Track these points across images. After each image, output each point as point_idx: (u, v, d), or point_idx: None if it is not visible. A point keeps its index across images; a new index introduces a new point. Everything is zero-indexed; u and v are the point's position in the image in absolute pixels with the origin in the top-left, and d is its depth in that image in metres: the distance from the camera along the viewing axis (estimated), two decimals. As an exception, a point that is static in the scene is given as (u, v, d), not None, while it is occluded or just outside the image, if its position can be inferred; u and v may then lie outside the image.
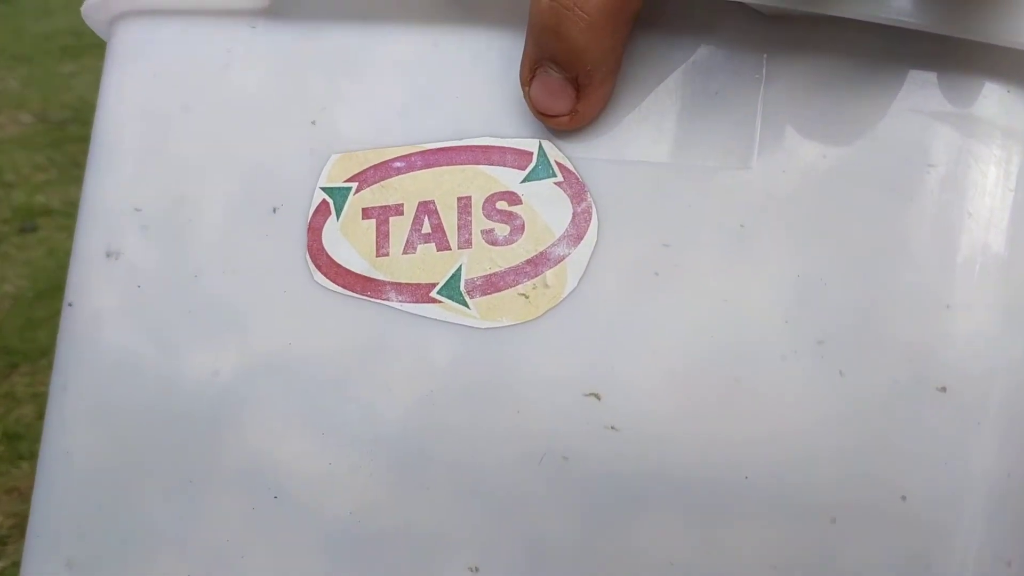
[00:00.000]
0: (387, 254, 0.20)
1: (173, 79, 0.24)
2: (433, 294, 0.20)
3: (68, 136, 1.83)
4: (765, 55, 0.18)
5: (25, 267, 1.34)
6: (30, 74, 2.26)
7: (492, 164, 0.20)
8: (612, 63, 0.18)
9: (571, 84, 0.18)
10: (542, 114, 0.19)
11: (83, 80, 2.24)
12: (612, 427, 0.18)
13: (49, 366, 0.98)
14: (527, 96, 0.19)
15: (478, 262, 0.19)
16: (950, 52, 0.17)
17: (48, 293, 1.25)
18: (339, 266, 0.21)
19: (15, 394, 1.03)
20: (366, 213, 0.21)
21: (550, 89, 0.18)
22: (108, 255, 0.23)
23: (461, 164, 0.20)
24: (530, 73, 0.19)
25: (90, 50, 2.46)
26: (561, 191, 0.19)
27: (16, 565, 0.79)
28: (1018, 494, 0.16)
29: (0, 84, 2.18)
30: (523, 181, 0.19)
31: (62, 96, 2.08)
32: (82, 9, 0.28)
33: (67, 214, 1.50)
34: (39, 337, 1.14)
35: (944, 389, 0.16)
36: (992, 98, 0.17)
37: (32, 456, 0.92)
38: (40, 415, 0.97)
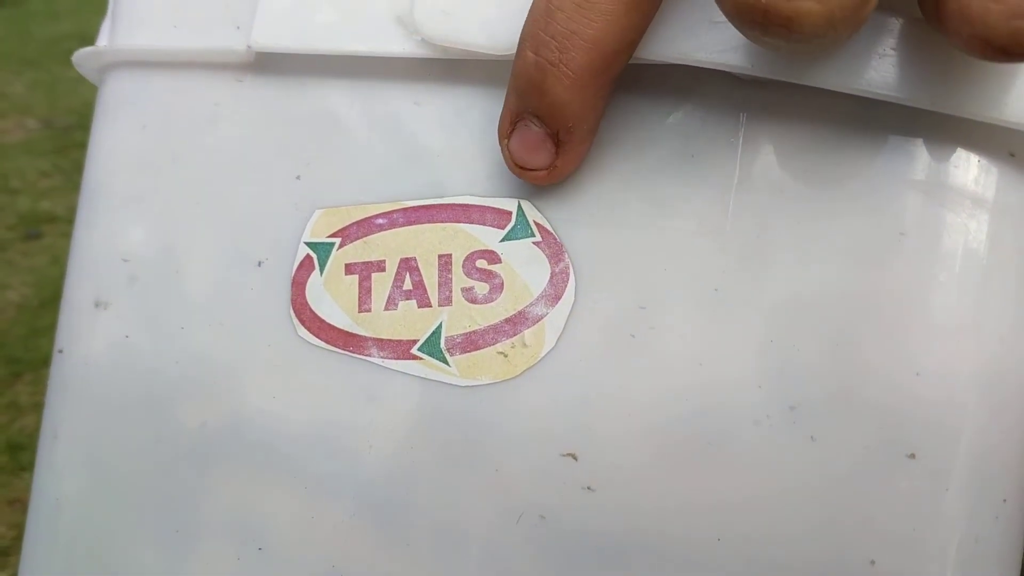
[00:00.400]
0: (369, 310, 0.21)
1: (162, 129, 0.24)
2: (414, 351, 0.20)
3: (73, 142, 1.84)
4: (743, 118, 0.18)
5: (30, 274, 1.35)
6: (36, 79, 2.27)
7: (472, 222, 0.20)
8: (592, 121, 0.18)
9: (551, 139, 0.18)
10: (520, 167, 0.19)
11: (88, 86, 2.25)
12: (588, 487, 0.18)
13: None
14: (505, 149, 0.19)
15: (458, 320, 0.20)
16: (923, 120, 0.17)
17: (52, 301, 1.25)
18: (322, 321, 0.21)
19: (19, 403, 1.03)
20: (349, 268, 0.21)
21: (530, 143, 0.19)
22: (97, 305, 0.24)
23: (442, 222, 0.20)
24: (510, 126, 0.19)
25: (94, 54, 2.47)
26: (539, 251, 0.19)
27: (21, 576, 0.80)
28: (985, 559, 0.16)
29: (6, 89, 2.19)
30: (502, 240, 0.20)
31: (68, 101, 2.09)
32: (73, 57, 0.28)
33: (71, 221, 1.51)
34: (43, 345, 1.15)
35: (913, 455, 0.16)
36: (964, 167, 0.17)
37: (24, 469, 0.93)
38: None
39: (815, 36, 0.14)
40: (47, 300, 1.27)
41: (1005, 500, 0.16)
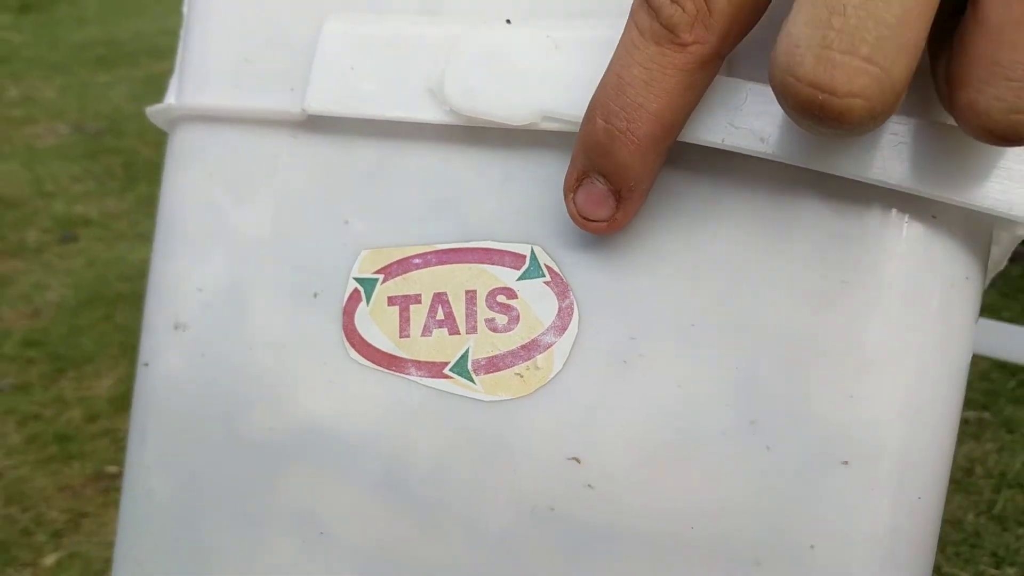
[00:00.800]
0: (408, 336, 0.25)
1: (227, 177, 0.28)
2: (446, 371, 0.24)
3: (103, 147, 1.90)
4: (718, 183, 0.22)
5: (67, 276, 1.41)
6: (66, 84, 2.33)
7: (493, 264, 0.24)
8: (649, 182, 0.22)
9: (613, 195, 0.22)
10: (584, 219, 0.22)
11: (118, 91, 2.31)
12: (589, 485, 0.22)
13: (94, 372, 1.03)
14: (571, 203, 0.22)
15: (482, 346, 0.24)
16: (865, 190, 0.21)
17: (89, 302, 1.31)
18: (369, 345, 0.25)
19: (64, 398, 1.09)
20: (391, 301, 0.25)
21: (595, 198, 0.22)
22: (176, 327, 0.28)
23: (468, 263, 0.24)
24: (576, 183, 0.22)
25: (123, 60, 2.53)
26: (549, 289, 0.23)
27: (72, 556, 0.85)
28: (905, 545, 0.20)
29: (37, 94, 2.26)
30: (518, 279, 0.24)
31: (97, 106, 2.16)
32: (147, 110, 0.33)
33: (104, 225, 1.57)
34: (84, 343, 1.21)
35: (847, 462, 0.20)
36: (896, 227, 0.21)
37: (81, 456, 0.98)
38: (87, 418, 1.04)
39: (860, 127, 0.17)
40: (85, 301, 1.32)
41: (920, 498, 0.20)
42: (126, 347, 1.18)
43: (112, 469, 0.95)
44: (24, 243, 1.54)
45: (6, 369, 1.15)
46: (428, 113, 0.25)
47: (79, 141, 1.96)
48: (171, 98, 0.32)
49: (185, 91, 0.31)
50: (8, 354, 1.19)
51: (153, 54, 2.58)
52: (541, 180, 0.24)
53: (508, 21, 0.25)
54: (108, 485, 0.93)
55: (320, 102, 0.27)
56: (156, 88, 2.35)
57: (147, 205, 1.68)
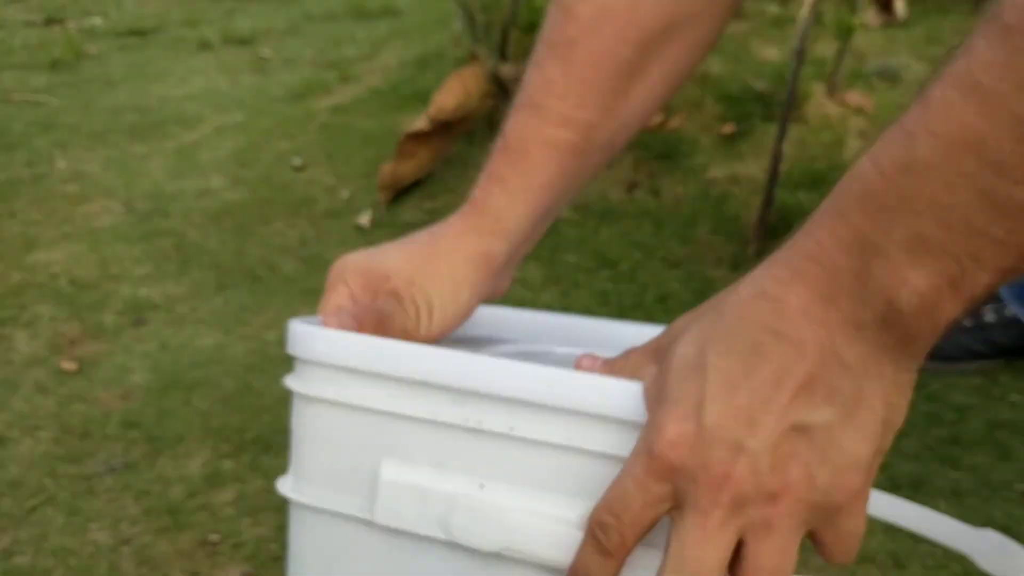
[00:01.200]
0: None
1: (337, 561, 0.58)
2: None
3: (155, 229, 2.17)
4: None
5: (145, 359, 1.70)
6: (108, 156, 2.60)
7: None
8: None
9: None
10: None
11: (155, 164, 2.57)
12: None
13: (185, 452, 1.37)
14: None
15: None
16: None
17: (170, 386, 1.60)
18: None
19: (165, 476, 1.39)
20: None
21: None
22: None
23: None
24: None
25: (154, 130, 2.80)
26: None
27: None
28: None
29: (84, 167, 2.52)
30: None
31: (141, 183, 2.42)
32: (278, 487, 0.59)
33: (167, 309, 1.85)
34: (171, 425, 1.50)
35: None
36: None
37: (188, 526, 1.28)
38: (188, 494, 1.34)
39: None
40: (167, 385, 1.62)
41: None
42: (207, 430, 1.49)
43: (213, 537, 1.26)
44: (102, 326, 1.83)
45: (114, 449, 1.46)
46: (443, 534, 0.51)
47: (132, 222, 2.24)
48: (287, 487, 0.56)
49: (297, 487, 0.54)
50: (113, 435, 1.49)
51: (180, 122, 2.86)
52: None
53: (482, 486, 0.48)
54: (212, 550, 1.24)
55: (390, 516, 0.50)
56: (189, 163, 2.63)
57: (202, 290, 1.98)
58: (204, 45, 3.59)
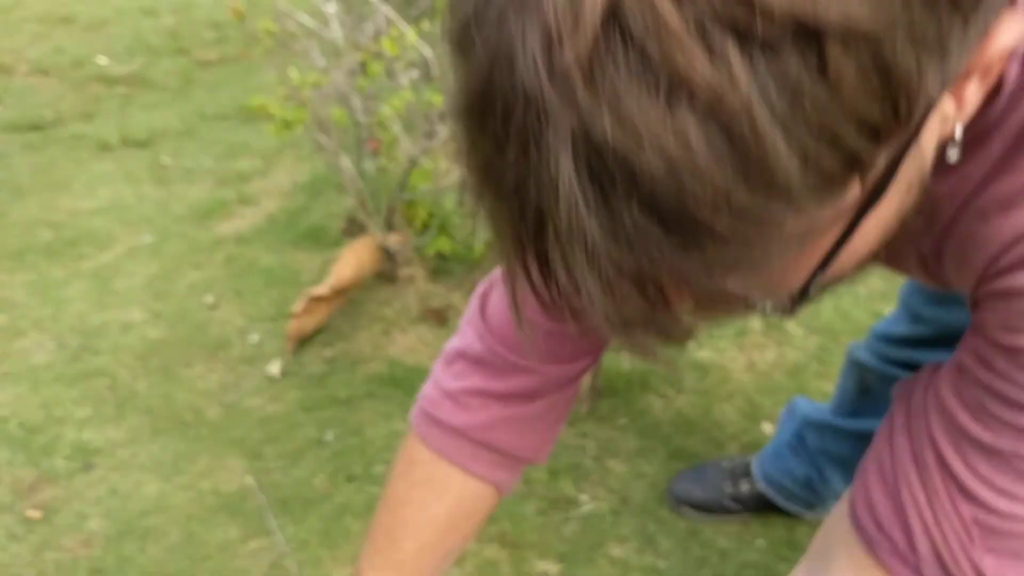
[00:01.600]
0: None
1: None
2: None
3: (88, 369, 2.49)
4: None
5: (97, 505, 2.08)
6: (28, 281, 2.87)
7: None
8: None
9: None
10: None
11: (76, 291, 2.84)
12: None
13: None
14: None
15: None
16: None
17: (125, 534, 1.99)
18: None
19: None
20: None
21: None
22: None
23: None
24: None
25: (68, 250, 3.09)
26: None
27: None
28: None
29: (8, 292, 2.78)
30: None
31: (66, 316, 2.72)
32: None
33: (110, 454, 2.20)
34: (132, 573, 1.91)
35: None
36: None
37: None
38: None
39: None
40: (121, 532, 2.02)
41: None
42: (165, 578, 1.93)
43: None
44: (56, 470, 2.20)
45: (87, 596, 1.88)
46: None
47: (66, 360, 2.57)
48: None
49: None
50: (84, 582, 1.91)
51: (93, 241, 3.19)
52: None
53: None
54: None
55: None
56: (107, 291, 2.97)
57: (139, 435, 2.40)
58: (104, 146, 3.85)
